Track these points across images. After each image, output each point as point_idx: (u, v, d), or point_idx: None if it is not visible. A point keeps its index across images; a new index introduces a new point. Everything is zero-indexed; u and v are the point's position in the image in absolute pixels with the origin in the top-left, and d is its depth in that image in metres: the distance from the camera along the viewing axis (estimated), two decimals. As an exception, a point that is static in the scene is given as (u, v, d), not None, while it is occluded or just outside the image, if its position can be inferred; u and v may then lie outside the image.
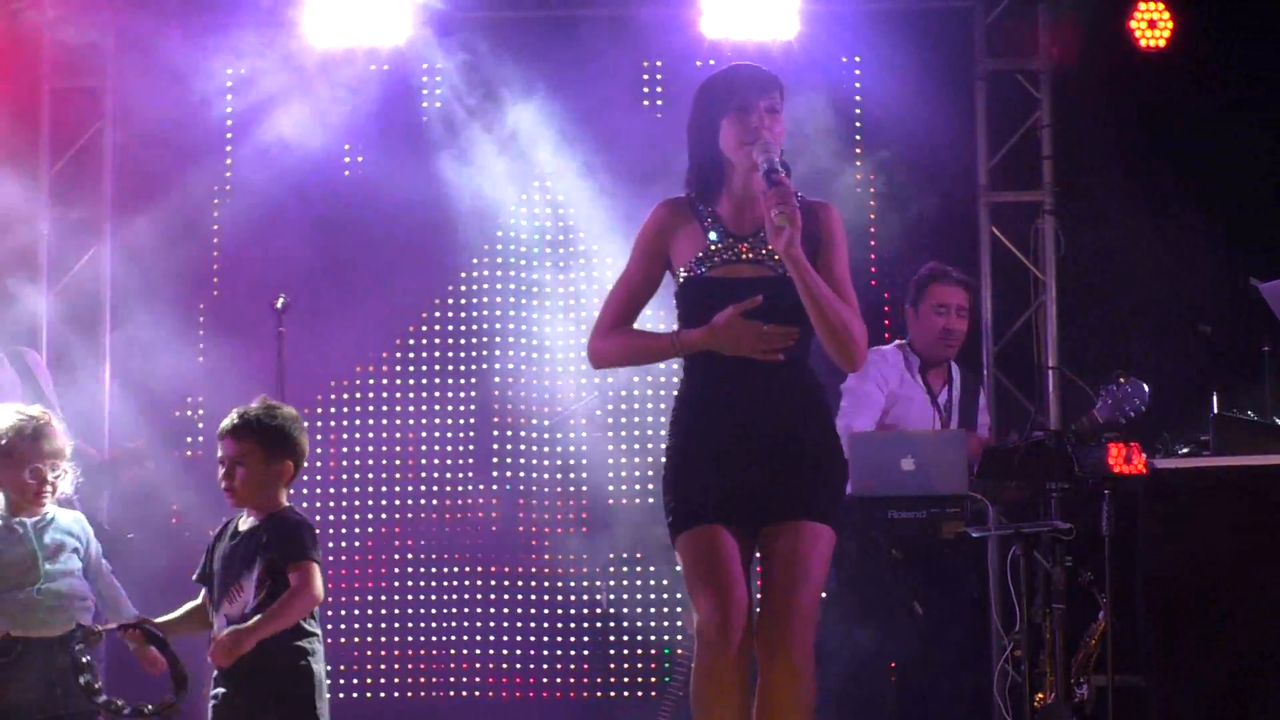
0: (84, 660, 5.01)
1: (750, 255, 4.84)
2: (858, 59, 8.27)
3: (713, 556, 4.73)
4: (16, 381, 6.82)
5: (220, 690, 5.10)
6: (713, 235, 4.84)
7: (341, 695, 7.95)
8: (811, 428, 4.86)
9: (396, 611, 8.17)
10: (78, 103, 8.40)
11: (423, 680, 8.13)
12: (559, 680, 8.09)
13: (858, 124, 8.25)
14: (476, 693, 8.07)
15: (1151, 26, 7.90)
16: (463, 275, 8.34)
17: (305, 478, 7.71)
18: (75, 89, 8.42)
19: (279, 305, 7.04)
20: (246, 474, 5.22)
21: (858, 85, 8.22)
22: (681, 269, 4.86)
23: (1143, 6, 7.89)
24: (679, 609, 7.56)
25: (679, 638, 7.35)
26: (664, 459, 4.94)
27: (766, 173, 4.70)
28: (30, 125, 8.29)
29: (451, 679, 8.12)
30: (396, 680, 8.13)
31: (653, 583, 8.03)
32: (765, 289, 4.75)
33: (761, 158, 4.73)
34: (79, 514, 5.65)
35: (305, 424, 5.39)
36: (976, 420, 7.29)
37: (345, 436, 8.24)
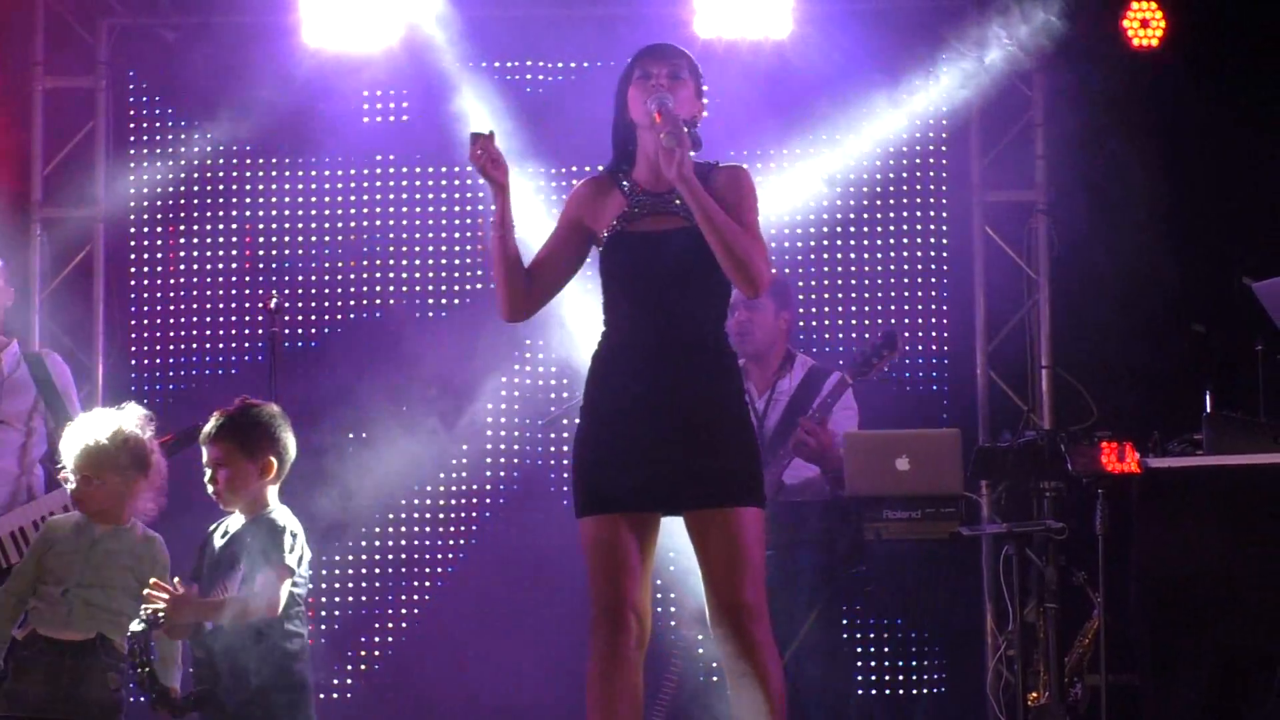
0: (139, 649, 5.08)
1: (665, 210, 4.90)
2: (851, 58, 8.23)
3: (610, 554, 4.78)
4: (30, 383, 6.79)
5: (203, 689, 5.13)
6: (630, 197, 4.92)
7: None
8: (724, 400, 4.88)
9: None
10: (71, 103, 8.40)
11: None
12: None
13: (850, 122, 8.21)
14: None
15: (1144, 26, 7.90)
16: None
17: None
18: (69, 89, 8.42)
19: (272, 306, 7.03)
20: (230, 475, 5.27)
21: (851, 84, 8.18)
22: (603, 232, 4.92)
23: (1135, 5, 7.88)
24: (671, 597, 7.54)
25: (670, 623, 7.33)
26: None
27: (657, 107, 4.79)
28: (22, 125, 8.29)
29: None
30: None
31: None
32: (680, 240, 4.82)
33: (651, 103, 4.82)
34: (155, 537, 5.59)
35: (288, 420, 5.41)
36: (828, 417, 7.03)
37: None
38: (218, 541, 5.32)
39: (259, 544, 5.19)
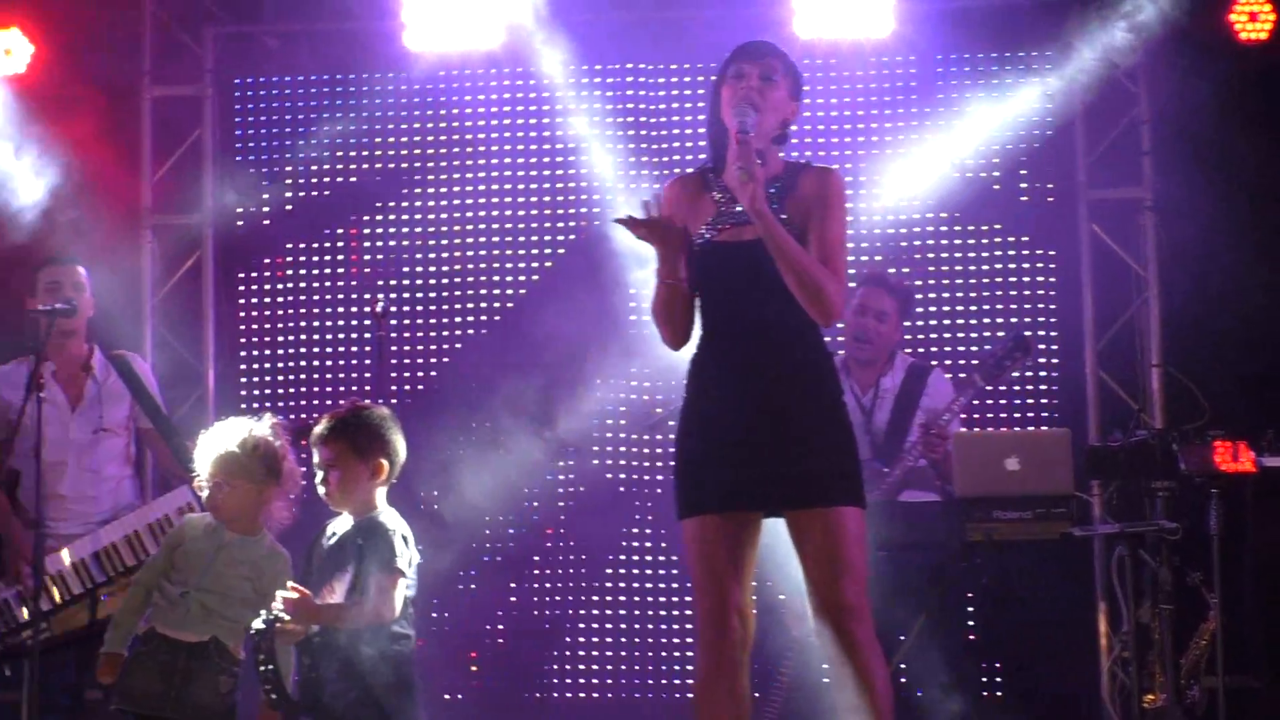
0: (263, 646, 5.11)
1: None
2: (953, 57, 8.21)
3: (710, 555, 4.79)
4: (124, 389, 6.90)
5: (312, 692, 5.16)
6: (719, 203, 4.91)
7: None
8: (821, 401, 4.87)
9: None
10: (179, 111, 8.49)
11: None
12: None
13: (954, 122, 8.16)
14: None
15: (1252, 20, 7.80)
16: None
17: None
18: (176, 97, 8.52)
19: (378, 310, 7.08)
20: (341, 476, 5.30)
21: (954, 83, 8.14)
22: (695, 237, 4.90)
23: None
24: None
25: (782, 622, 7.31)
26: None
27: (738, 130, 4.78)
28: (132, 134, 8.39)
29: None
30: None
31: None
32: (764, 250, 4.78)
33: (735, 119, 4.81)
34: (282, 554, 5.64)
35: (397, 422, 5.42)
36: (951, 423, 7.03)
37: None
38: (325, 543, 5.35)
39: (370, 548, 5.21)
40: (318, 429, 5.36)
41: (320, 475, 5.33)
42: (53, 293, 6.81)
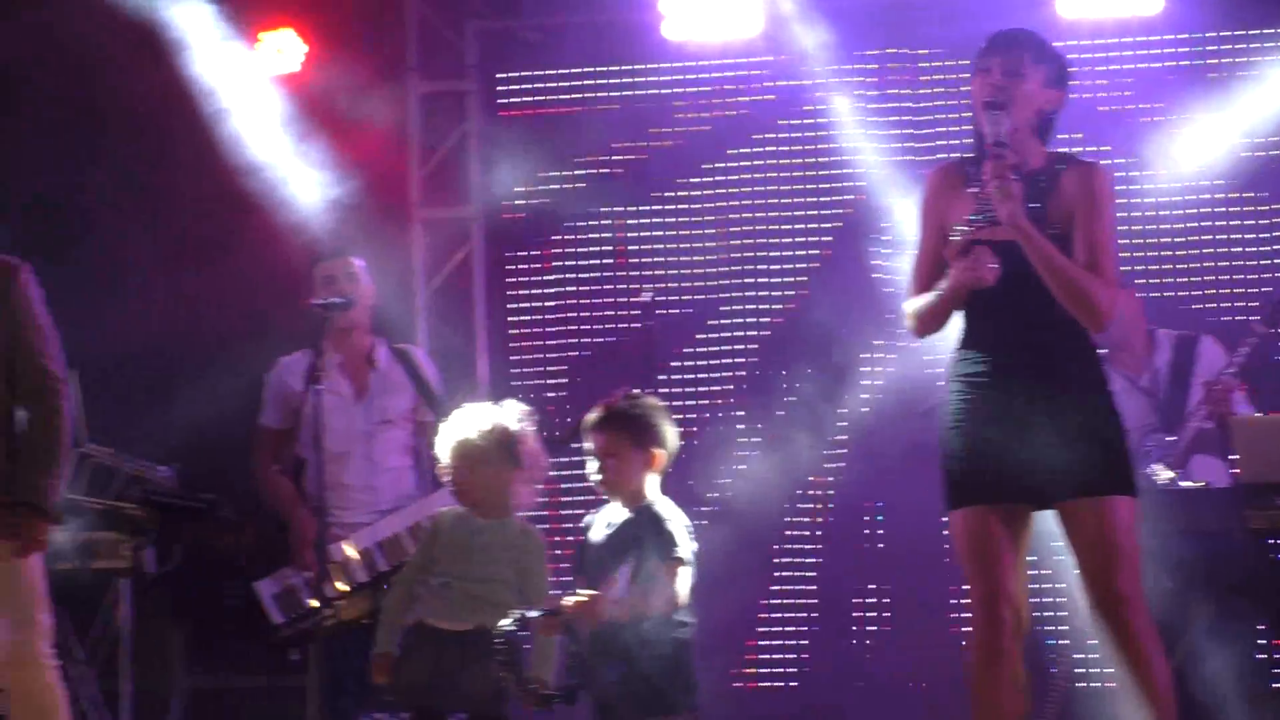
0: (506, 646, 5.17)
1: None
2: (1229, 33, 8.01)
3: (980, 546, 4.76)
4: (406, 380, 7.00)
5: (576, 682, 5.22)
6: (979, 200, 4.81)
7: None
8: (1088, 391, 4.80)
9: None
10: (444, 106, 8.65)
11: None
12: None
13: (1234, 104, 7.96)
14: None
15: None
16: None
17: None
18: (442, 92, 8.68)
19: (645, 299, 7.12)
20: (618, 465, 5.32)
21: (1230, 61, 7.95)
22: (953, 233, 4.84)
23: None
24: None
25: (1061, 628, 7.23)
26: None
27: (990, 143, 4.71)
28: (400, 130, 8.55)
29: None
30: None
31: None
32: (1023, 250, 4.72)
33: (986, 126, 4.74)
34: (532, 530, 5.66)
35: (669, 412, 5.44)
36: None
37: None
38: (600, 533, 5.38)
39: (652, 539, 5.22)
40: (592, 417, 5.39)
41: (595, 464, 5.36)
42: (328, 287, 6.86)
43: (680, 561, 5.20)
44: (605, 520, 5.40)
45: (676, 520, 5.28)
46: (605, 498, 5.43)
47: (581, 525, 5.50)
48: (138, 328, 8.05)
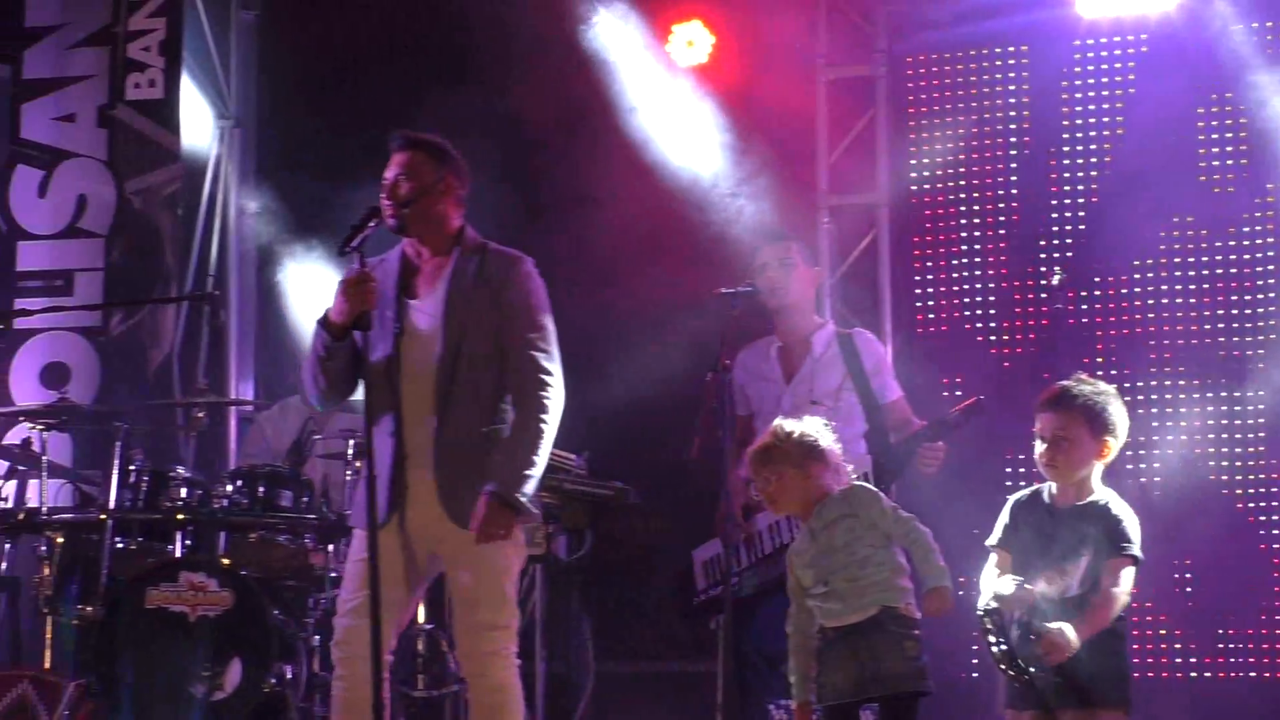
0: (993, 627, 5.09)
1: None
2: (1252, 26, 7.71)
3: None
4: (839, 363, 6.93)
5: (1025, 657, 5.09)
6: None
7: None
8: None
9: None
10: (852, 91, 8.67)
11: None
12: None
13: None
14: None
15: None
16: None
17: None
18: (849, 78, 8.71)
19: (1054, 282, 6.98)
20: (1069, 449, 5.15)
21: (1244, 59, 7.69)
22: None
23: None
24: None
25: None
26: None
27: None
28: (807, 117, 8.62)
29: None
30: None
31: None
32: None
33: None
34: (835, 496, 5.45)
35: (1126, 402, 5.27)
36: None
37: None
38: (1040, 515, 5.20)
39: (1107, 534, 5.07)
40: (1049, 396, 5.22)
41: (1041, 445, 5.17)
42: (761, 272, 6.92)
43: (1134, 560, 5.07)
44: (1046, 504, 5.21)
45: (1130, 516, 5.13)
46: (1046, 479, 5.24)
47: (1010, 500, 5.29)
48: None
